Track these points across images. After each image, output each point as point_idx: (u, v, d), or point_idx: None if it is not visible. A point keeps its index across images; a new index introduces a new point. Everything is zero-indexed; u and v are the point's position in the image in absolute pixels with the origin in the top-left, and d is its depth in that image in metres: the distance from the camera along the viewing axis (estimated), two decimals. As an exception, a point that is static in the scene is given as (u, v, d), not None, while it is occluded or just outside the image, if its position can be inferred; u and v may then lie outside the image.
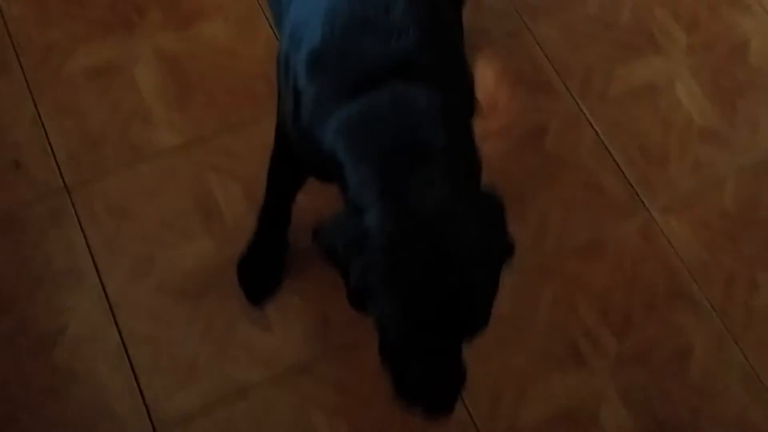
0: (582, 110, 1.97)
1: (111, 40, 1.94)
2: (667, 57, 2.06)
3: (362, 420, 1.60)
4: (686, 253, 1.83)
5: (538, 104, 1.97)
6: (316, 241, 1.23)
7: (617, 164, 1.92)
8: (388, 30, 1.20)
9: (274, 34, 1.97)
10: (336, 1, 1.24)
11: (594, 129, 1.96)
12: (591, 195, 1.88)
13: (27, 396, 1.58)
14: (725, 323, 1.77)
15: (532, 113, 1.96)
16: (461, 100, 1.29)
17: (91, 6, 1.97)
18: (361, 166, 1.16)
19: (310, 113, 1.24)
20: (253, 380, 1.62)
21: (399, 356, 1.21)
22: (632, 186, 1.90)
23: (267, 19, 1.98)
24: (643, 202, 1.88)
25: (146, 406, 1.59)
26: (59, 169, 1.80)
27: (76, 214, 1.76)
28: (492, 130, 1.92)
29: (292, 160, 1.45)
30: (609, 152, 1.93)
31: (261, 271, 1.70)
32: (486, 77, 1.99)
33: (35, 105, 1.86)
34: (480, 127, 1.87)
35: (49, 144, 1.83)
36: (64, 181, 1.79)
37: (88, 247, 1.72)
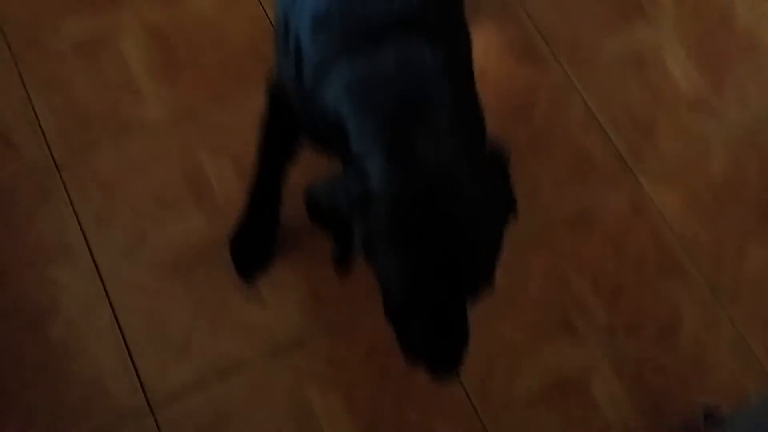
0: (571, 81, 1.97)
1: (97, 14, 1.92)
2: (655, 27, 2.06)
3: (356, 393, 1.61)
4: (676, 223, 1.84)
5: (527, 75, 1.97)
6: (310, 201, 1.22)
7: (606, 135, 1.92)
8: None
9: (262, 7, 1.95)
10: None
11: (583, 99, 1.96)
12: (580, 166, 1.89)
13: (20, 372, 1.58)
14: (714, 293, 1.78)
15: (521, 84, 1.96)
16: (464, 57, 1.29)
17: (77, -20, 1.95)
18: (365, 124, 1.15)
19: (314, 73, 1.23)
20: (247, 355, 1.63)
21: (404, 315, 1.21)
22: (621, 156, 1.90)
23: (255, -9, 1.97)
24: (632, 172, 1.89)
25: (140, 382, 1.59)
26: (48, 145, 1.79)
27: (66, 190, 1.75)
28: (483, 100, 1.91)
29: (284, 127, 1.44)
30: (598, 123, 1.94)
31: (252, 248, 1.70)
32: (476, 48, 1.97)
33: (23, 82, 1.84)
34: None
35: (38, 121, 1.81)
36: (53, 157, 1.78)
37: (79, 223, 1.72)
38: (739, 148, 1.94)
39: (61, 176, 1.76)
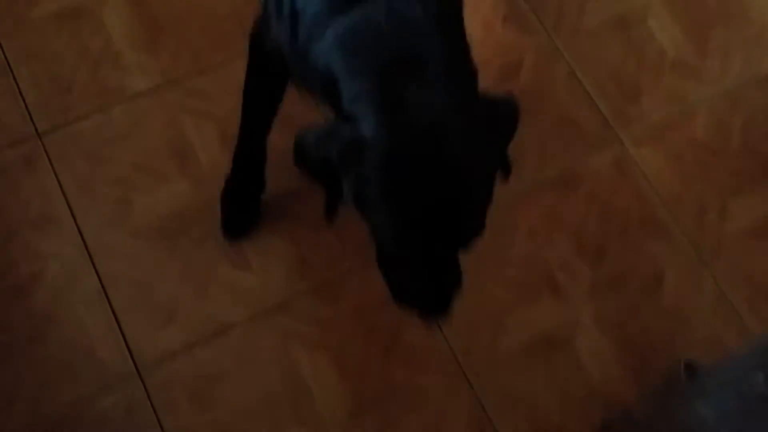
0: (556, 45, 1.97)
1: (76, -19, 1.90)
2: (640, -10, 2.06)
3: (343, 354, 1.63)
4: (659, 182, 1.85)
5: (512, 40, 1.96)
6: (299, 149, 1.22)
7: (591, 97, 1.93)
8: None
9: (244, -28, 1.94)
10: None
11: (568, 63, 1.96)
12: (565, 128, 1.89)
13: (8, 340, 1.59)
14: (697, 250, 1.80)
15: (506, 49, 1.96)
16: (455, 11, 1.28)
17: (54, -53, 1.93)
18: (357, 78, 1.15)
19: (308, 31, 1.23)
20: (234, 319, 1.63)
21: (395, 265, 1.23)
22: (606, 118, 1.91)
23: (235, -44, 1.95)
24: (616, 133, 1.90)
25: (128, 347, 1.60)
26: (30, 115, 1.78)
27: (49, 160, 1.74)
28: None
29: (268, 81, 1.45)
30: (582, 86, 1.94)
31: (238, 208, 1.70)
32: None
33: (3, 52, 1.83)
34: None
35: (19, 90, 1.80)
36: (35, 127, 1.77)
37: (63, 192, 1.72)
38: (722, 109, 1.95)
39: (43, 146, 1.76)
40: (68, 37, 1.86)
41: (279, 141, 1.63)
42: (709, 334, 1.71)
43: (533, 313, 1.69)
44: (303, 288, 1.67)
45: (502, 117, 1.22)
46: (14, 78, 1.81)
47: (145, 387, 1.57)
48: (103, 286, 1.64)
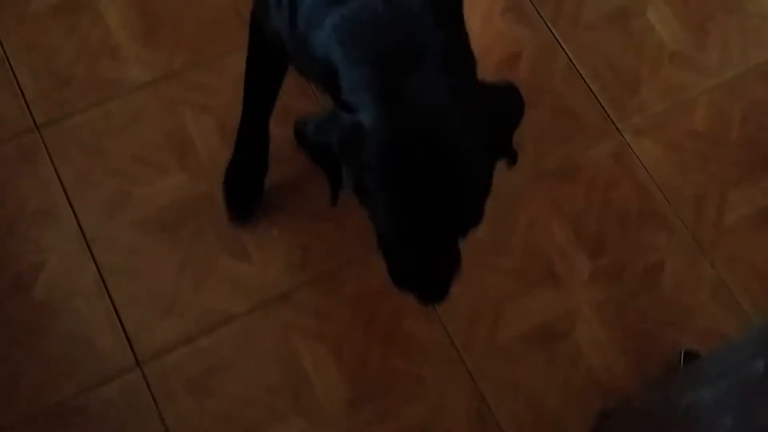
0: (555, 36, 1.97)
1: (74, -26, 1.90)
2: (640, -19, 2.06)
3: (342, 344, 1.63)
4: (658, 173, 1.85)
5: (511, 31, 1.96)
6: (300, 135, 1.23)
7: (590, 88, 1.93)
8: None
9: (241, -36, 1.94)
10: None
11: (567, 55, 1.96)
12: (564, 119, 1.89)
13: (8, 333, 1.59)
14: (696, 239, 1.80)
15: (505, 41, 1.96)
16: (454, 1, 1.29)
17: (53, -60, 1.93)
18: (356, 67, 1.16)
19: (307, 20, 1.24)
20: (234, 309, 1.64)
21: (395, 250, 1.24)
22: (605, 109, 1.91)
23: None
24: (615, 124, 1.90)
25: (127, 338, 1.60)
26: (29, 108, 1.78)
27: (48, 152, 1.74)
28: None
29: (268, 63, 1.46)
30: (582, 77, 1.94)
31: (243, 191, 1.70)
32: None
33: (2, 45, 1.83)
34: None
35: (18, 84, 1.80)
36: (34, 120, 1.77)
37: (62, 184, 1.72)
38: (721, 101, 1.95)
39: (42, 139, 1.76)
40: (66, 30, 1.86)
41: (278, 133, 1.64)
42: (709, 323, 1.71)
43: (533, 303, 1.69)
44: (302, 279, 1.67)
45: (503, 104, 1.22)
46: (13, 71, 1.81)
47: (145, 378, 1.57)
48: (102, 278, 1.64)
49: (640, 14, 2.02)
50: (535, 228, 1.76)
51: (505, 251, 1.73)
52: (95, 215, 1.69)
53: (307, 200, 1.73)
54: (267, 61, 1.50)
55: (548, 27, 1.98)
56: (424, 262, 1.21)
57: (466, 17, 1.96)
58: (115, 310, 1.62)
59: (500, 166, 1.24)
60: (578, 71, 1.94)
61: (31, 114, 1.77)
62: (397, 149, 1.12)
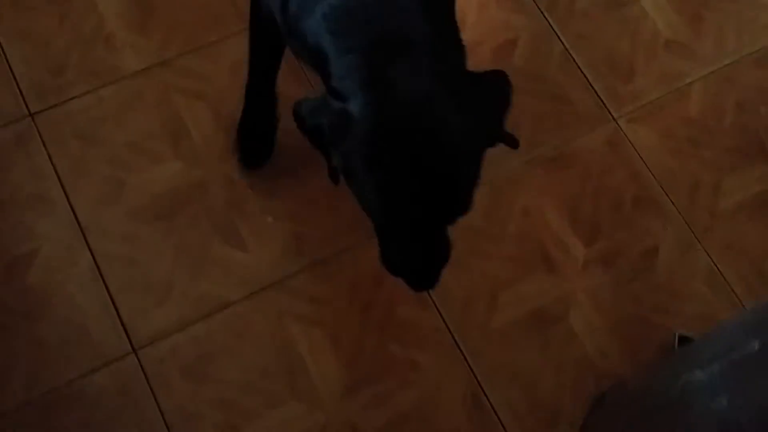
0: (550, 24, 1.97)
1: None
2: (634, -31, 2.05)
3: (338, 330, 1.63)
4: (652, 160, 1.85)
5: (507, 19, 1.96)
6: (297, 116, 1.25)
7: (585, 76, 1.93)
8: None
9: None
10: None
11: (562, 42, 1.96)
12: (559, 107, 1.89)
13: (2, 320, 1.58)
14: (690, 226, 1.80)
15: (501, 29, 1.96)
16: None
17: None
18: (345, 56, 1.17)
19: (298, 7, 1.25)
20: (230, 297, 1.64)
21: (384, 235, 1.25)
22: (599, 97, 1.91)
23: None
24: (610, 112, 1.90)
25: (123, 326, 1.60)
26: (23, 96, 1.78)
27: (42, 140, 1.74)
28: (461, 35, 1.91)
29: (269, 36, 1.47)
30: (577, 65, 1.94)
31: (255, 139, 1.71)
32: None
33: (-5, 33, 1.83)
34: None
35: (12, 71, 1.80)
36: (28, 108, 1.77)
37: (56, 172, 1.71)
38: (716, 88, 1.95)
39: (36, 126, 1.75)
40: (60, 18, 1.85)
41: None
42: (702, 309, 1.71)
43: (528, 289, 1.70)
44: (298, 266, 1.67)
45: (491, 91, 1.22)
46: (6, 59, 1.80)
47: (140, 364, 1.57)
48: (97, 266, 1.64)
49: (635, 2, 2.02)
50: (530, 214, 1.76)
51: (500, 237, 1.74)
52: (89, 202, 1.69)
53: (302, 187, 1.74)
54: (266, 39, 1.52)
55: (543, 15, 1.98)
56: (413, 248, 1.22)
57: (461, 5, 1.96)
58: (110, 297, 1.62)
59: (502, 149, 1.24)
60: (573, 59, 1.94)
61: (24, 101, 1.77)
62: (384, 136, 1.13)
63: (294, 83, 1.76)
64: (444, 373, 1.62)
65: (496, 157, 1.79)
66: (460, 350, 1.65)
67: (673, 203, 1.82)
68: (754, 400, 1.06)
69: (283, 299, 1.64)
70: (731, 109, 1.93)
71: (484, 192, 1.76)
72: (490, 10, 1.97)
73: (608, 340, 1.67)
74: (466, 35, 1.92)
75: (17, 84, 1.78)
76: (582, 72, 1.93)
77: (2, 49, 1.81)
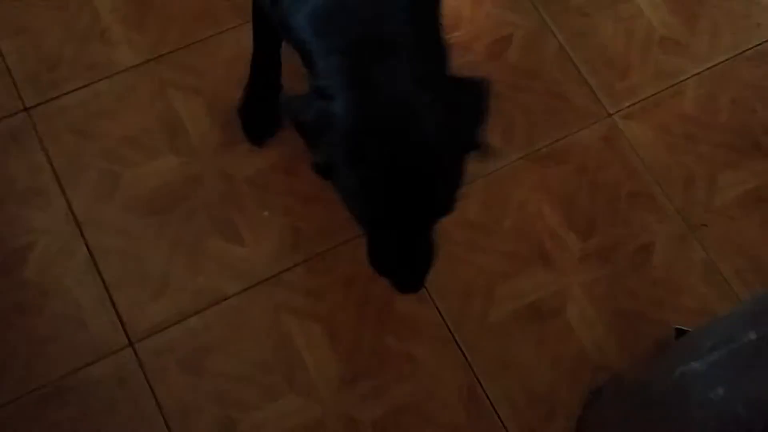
0: (545, 21, 1.97)
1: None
2: (629, -33, 2.06)
3: (335, 324, 1.63)
4: (648, 155, 1.86)
5: (502, 16, 1.97)
6: (288, 111, 1.27)
7: (580, 73, 1.93)
8: None
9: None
10: None
11: (557, 39, 1.96)
12: (555, 103, 1.90)
13: (-1, 313, 1.58)
14: (686, 221, 1.81)
15: (496, 25, 1.96)
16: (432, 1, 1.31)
17: None
18: (329, 56, 1.19)
19: (286, 4, 1.27)
20: (227, 290, 1.63)
21: (368, 234, 1.27)
22: (595, 93, 1.92)
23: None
24: (605, 108, 1.90)
25: (120, 319, 1.60)
26: (18, 90, 1.77)
27: (37, 134, 1.73)
28: (458, 41, 1.92)
29: (266, 25, 1.50)
30: (572, 61, 1.94)
31: (259, 113, 1.72)
32: (451, -11, 1.98)
33: (-10, 27, 1.82)
34: (447, 39, 1.88)
35: (7, 66, 1.79)
36: (23, 102, 1.76)
37: (52, 166, 1.71)
38: (711, 85, 1.96)
39: (32, 120, 1.74)
40: (55, 13, 1.85)
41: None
42: (698, 303, 1.72)
43: (524, 283, 1.70)
44: (295, 260, 1.67)
45: (470, 97, 1.24)
46: (1, 53, 1.80)
47: (137, 357, 1.57)
48: (93, 259, 1.64)
49: (631, 1, 2.03)
50: (527, 209, 1.77)
51: (496, 232, 1.74)
52: (86, 197, 1.69)
53: (298, 182, 1.74)
54: (265, 25, 1.54)
55: (539, 11, 1.98)
56: (397, 249, 1.24)
57: (456, 1, 1.97)
58: (107, 291, 1.61)
59: (473, 156, 1.25)
60: (569, 55, 1.95)
61: (20, 95, 1.76)
62: (364, 135, 1.16)
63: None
64: (441, 366, 1.62)
65: (492, 152, 1.81)
66: (457, 344, 1.65)
67: (668, 198, 1.82)
68: (752, 390, 1.06)
69: (279, 293, 1.64)
70: (726, 106, 1.94)
71: (480, 187, 1.77)
72: (486, 7, 1.98)
73: (604, 334, 1.68)
74: (462, 32, 1.94)
75: (12, 78, 1.78)
76: (577, 68, 1.94)
77: (-3, 44, 1.81)
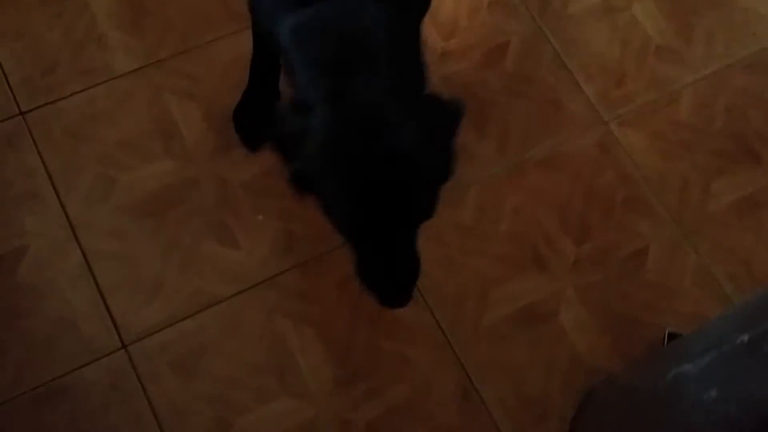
0: (541, 29, 1.98)
1: (61, -39, 1.90)
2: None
3: (329, 326, 1.63)
4: (643, 162, 1.86)
5: (498, 24, 1.98)
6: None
7: (576, 80, 1.94)
8: None
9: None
10: None
11: (553, 47, 1.97)
12: (551, 110, 1.90)
13: (-10, 314, 1.58)
14: (680, 226, 1.81)
15: (493, 33, 1.97)
16: (413, 18, 1.36)
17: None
18: (308, 70, 1.23)
19: (268, 13, 1.31)
20: (220, 293, 1.63)
21: (353, 247, 1.29)
22: (590, 101, 1.92)
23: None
24: (601, 115, 1.91)
25: (113, 322, 1.60)
26: (14, 94, 1.78)
27: (32, 138, 1.74)
28: (454, 49, 1.93)
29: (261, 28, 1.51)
30: (568, 69, 1.95)
31: (255, 118, 1.72)
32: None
33: (-15, 31, 1.83)
34: (443, 46, 1.90)
35: (3, 70, 1.80)
36: (18, 105, 1.77)
37: (47, 170, 1.71)
38: (706, 93, 1.96)
39: (27, 124, 1.75)
40: (52, 17, 1.86)
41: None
42: (692, 307, 1.72)
43: (519, 287, 1.70)
44: (288, 263, 1.68)
45: (443, 115, 1.27)
46: (-3, 57, 1.81)
47: (130, 359, 1.56)
48: (87, 262, 1.64)
49: (626, 8, 2.04)
50: (522, 214, 1.77)
51: (491, 236, 1.74)
52: (80, 200, 1.69)
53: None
54: (264, 32, 1.54)
55: (535, 19, 1.99)
56: (380, 260, 1.26)
57: (456, 11, 1.98)
58: (101, 293, 1.61)
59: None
60: (565, 63, 1.96)
61: (15, 99, 1.77)
62: (340, 146, 1.19)
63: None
64: (435, 368, 1.62)
65: (487, 158, 1.82)
66: (451, 346, 1.65)
67: (662, 204, 1.83)
68: (744, 391, 1.06)
69: (273, 295, 1.64)
70: (720, 114, 1.95)
71: (475, 191, 1.77)
72: (482, 15, 1.99)
73: (598, 338, 1.68)
74: (459, 39, 1.95)
75: (8, 82, 1.79)
76: (573, 76, 1.94)
77: (-6, 48, 1.81)
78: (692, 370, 1.17)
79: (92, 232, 1.66)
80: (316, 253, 1.68)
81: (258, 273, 1.65)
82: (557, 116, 1.90)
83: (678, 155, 1.88)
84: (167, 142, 1.76)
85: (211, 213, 1.70)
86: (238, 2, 1.51)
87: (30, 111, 1.76)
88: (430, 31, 1.92)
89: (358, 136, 1.18)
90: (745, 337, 1.09)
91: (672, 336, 1.61)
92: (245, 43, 1.65)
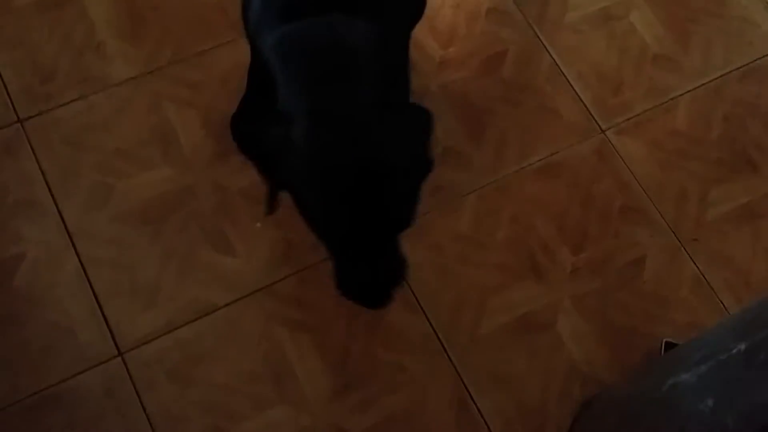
0: (539, 37, 1.99)
1: (60, -31, 1.91)
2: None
3: (326, 335, 1.63)
4: (640, 171, 1.86)
5: (496, 33, 1.98)
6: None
7: (573, 89, 1.94)
8: None
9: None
10: None
11: (551, 55, 1.97)
12: (548, 118, 1.91)
13: (-14, 322, 1.57)
14: (677, 235, 1.81)
15: (490, 41, 1.97)
16: (404, 25, 1.38)
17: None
18: (290, 83, 1.25)
19: (256, 24, 1.33)
20: (217, 300, 1.63)
21: (331, 250, 1.32)
22: (588, 109, 1.92)
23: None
24: (598, 124, 1.91)
25: (109, 328, 1.59)
26: (12, 102, 1.78)
27: (30, 146, 1.74)
28: (453, 58, 1.93)
29: None
30: (565, 77, 1.95)
31: (253, 126, 1.72)
32: (445, 7, 2.00)
33: (-16, 39, 1.83)
34: (441, 55, 1.90)
35: (1, 78, 1.80)
36: (17, 113, 1.77)
37: (44, 177, 1.71)
38: (703, 101, 1.97)
39: (25, 132, 1.75)
40: (51, 25, 1.86)
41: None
42: (689, 317, 1.72)
43: (516, 296, 1.70)
44: (286, 271, 1.67)
45: (416, 121, 1.30)
46: (-5, 64, 1.81)
47: (126, 367, 1.56)
48: (84, 270, 1.63)
49: (623, 17, 2.04)
50: (519, 222, 1.77)
51: (488, 245, 1.74)
52: (78, 207, 1.69)
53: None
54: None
55: (532, 28, 1.99)
56: (361, 269, 1.28)
57: (454, 19, 1.98)
58: (97, 301, 1.61)
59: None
60: (562, 72, 1.96)
61: (14, 107, 1.77)
62: (320, 157, 1.21)
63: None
64: (431, 377, 1.62)
65: (485, 166, 1.82)
66: (448, 355, 1.64)
67: (660, 213, 1.83)
68: (741, 401, 1.06)
69: (270, 303, 1.64)
70: (718, 122, 1.95)
71: (473, 200, 1.77)
72: (480, 24, 1.99)
73: (595, 347, 1.68)
74: (457, 48, 1.95)
75: (6, 90, 1.79)
76: (570, 84, 1.95)
77: (-8, 56, 1.81)
78: (689, 380, 1.17)
79: (89, 239, 1.66)
80: (313, 262, 1.68)
81: (255, 281, 1.65)
82: (555, 124, 1.90)
83: (675, 164, 1.88)
84: (165, 150, 1.76)
85: (208, 220, 1.70)
86: (237, 10, 1.52)
87: (28, 118, 1.76)
88: (428, 40, 1.92)
89: (335, 148, 1.20)
90: (742, 346, 1.09)
91: (669, 345, 1.61)
92: (243, 50, 1.65)
